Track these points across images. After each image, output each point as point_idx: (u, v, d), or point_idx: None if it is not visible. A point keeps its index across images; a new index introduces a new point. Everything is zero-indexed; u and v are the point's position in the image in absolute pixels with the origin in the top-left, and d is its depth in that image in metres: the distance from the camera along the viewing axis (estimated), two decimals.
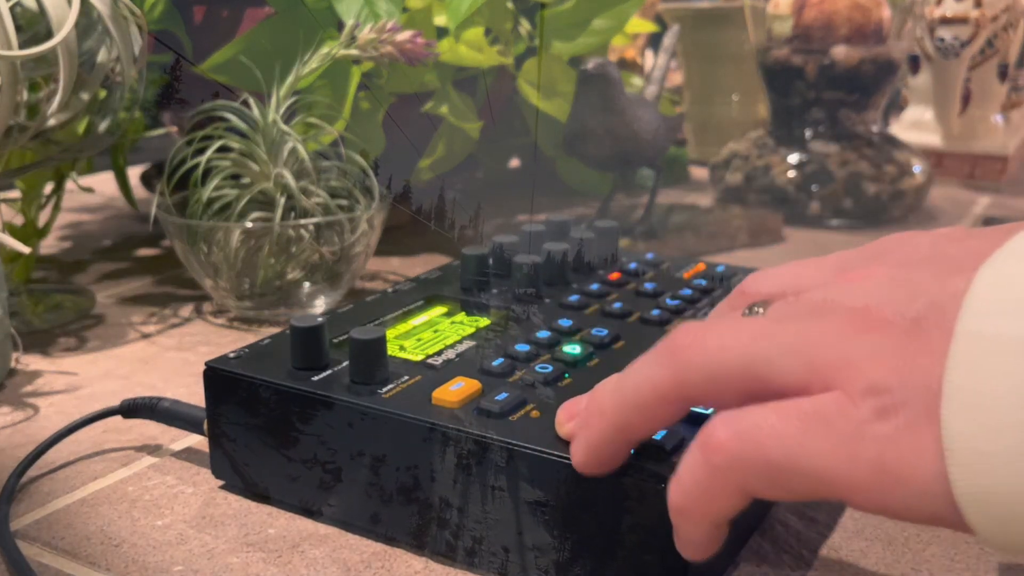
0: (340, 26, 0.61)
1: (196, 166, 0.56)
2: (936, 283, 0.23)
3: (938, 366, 0.21)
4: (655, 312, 0.43)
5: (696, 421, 0.32)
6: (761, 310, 0.28)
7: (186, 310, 0.62)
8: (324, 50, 0.58)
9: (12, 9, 0.47)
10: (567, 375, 0.36)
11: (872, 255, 0.28)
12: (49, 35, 0.47)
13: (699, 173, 1.00)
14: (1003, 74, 0.99)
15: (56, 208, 0.63)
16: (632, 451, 0.30)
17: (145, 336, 0.58)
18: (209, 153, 0.55)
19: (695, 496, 0.25)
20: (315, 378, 0.36)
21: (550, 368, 0.36)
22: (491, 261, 0.47)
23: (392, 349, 0.39)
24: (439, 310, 0.44)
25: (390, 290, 0.47)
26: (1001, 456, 0.20)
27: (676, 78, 1.18)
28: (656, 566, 0.29)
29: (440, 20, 0.67)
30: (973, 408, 0.21)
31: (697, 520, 0.26)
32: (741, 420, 0.24)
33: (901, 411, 0.22)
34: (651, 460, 0.30)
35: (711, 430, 0.25)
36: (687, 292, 0.45)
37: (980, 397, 0.21)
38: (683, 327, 0.27)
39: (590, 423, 0.28)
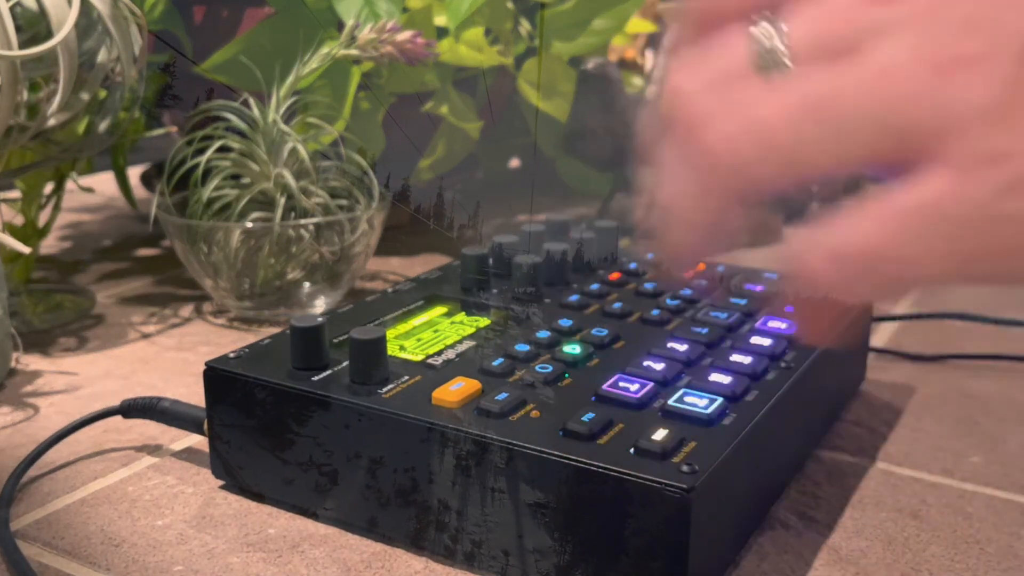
0: (340, 26, 0.61)
1: (196, 166, 0.56)
2: None
3: None
4: (655, 312, 0.43)
5: (684, 416, 0.32)
6: (775, 28, 0.21)
7: (186, 310, 0.62)
8: (324, 50, 0.58)
9: (12, 9, 0.47)
10: (567, 375, 0.36)
11: None
12: (49, 35, 0.47)
13: None
14: None
15: (56, 208, 0.63)
16: (632, 451, 0.30)
17: (145, 336, 0.58)
18: (209, 153, 0.55)
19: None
20: (315, 378, 0.36)
21: (550, 368, 0.36)
22: (491, 261, 0.47)
23: (392, 349, 0.39)
24: (439, 310, 0.44)
25: (390, 290, 0.47)
26: None
27: None
28: (657, 568, 0.29)
29: (440, 20, 0.67)
30: None
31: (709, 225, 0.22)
32: (834, 239, 0.20)
33: None
34: (653, 464, 0.30)
35: (805, 257, 0.20)
36: (687, 292, 0.45)
37: None
38: (691, 95, 0.21)
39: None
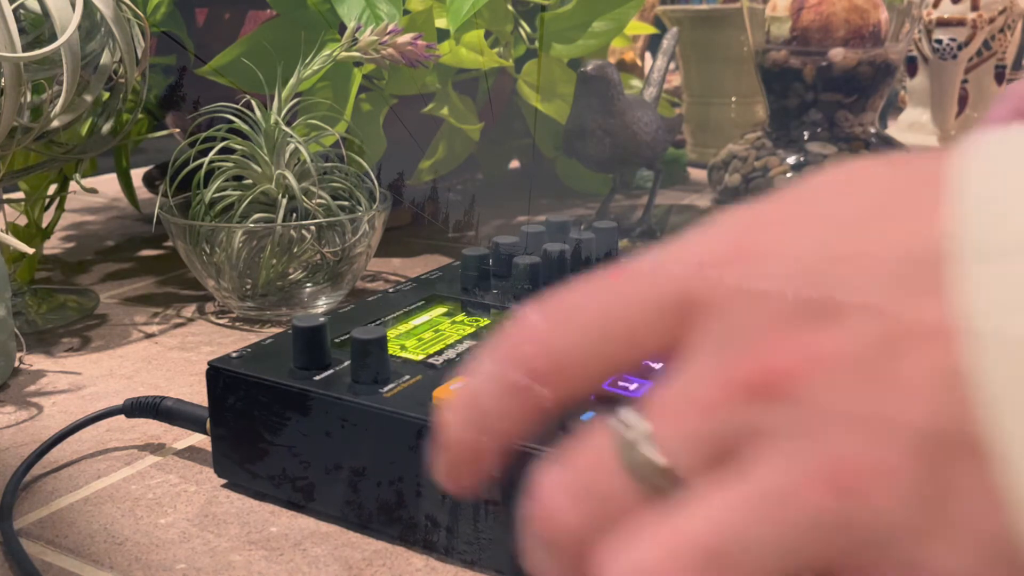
0: (341, 28, 0.62)
1: (199, 167, 0.56)
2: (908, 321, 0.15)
3: (997, 514, 0.14)
4: None
5: None
6: (641, 434, 0.16)
7: (189, 310, 0.62)
8: (326, 52, 0.58)
9: (16, 11, 0.47)
10: None
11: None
12: (53, 37, 0.48)
13: (698, 174, 1.00)
14: (1000, 76, 0.99)
15: (59, 209, 0.63)
16: None
17: (148, 336, 0.58)
18: (212, 154, 0.56)
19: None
20: (317, 377, 0.36)
21: None
22: (491, 261, 0.47)
23: (393, 349, 0.39)
24: (439, 310, 0.44)
25: (391, 290, 0.47)
26: None
27: (675, 80, 1.18)
28: None
29: (441, 22, 0.67)
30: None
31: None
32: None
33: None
34: None
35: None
36: None
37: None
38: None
39: None
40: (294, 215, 0.56)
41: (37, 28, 0.50)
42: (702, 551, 0.15)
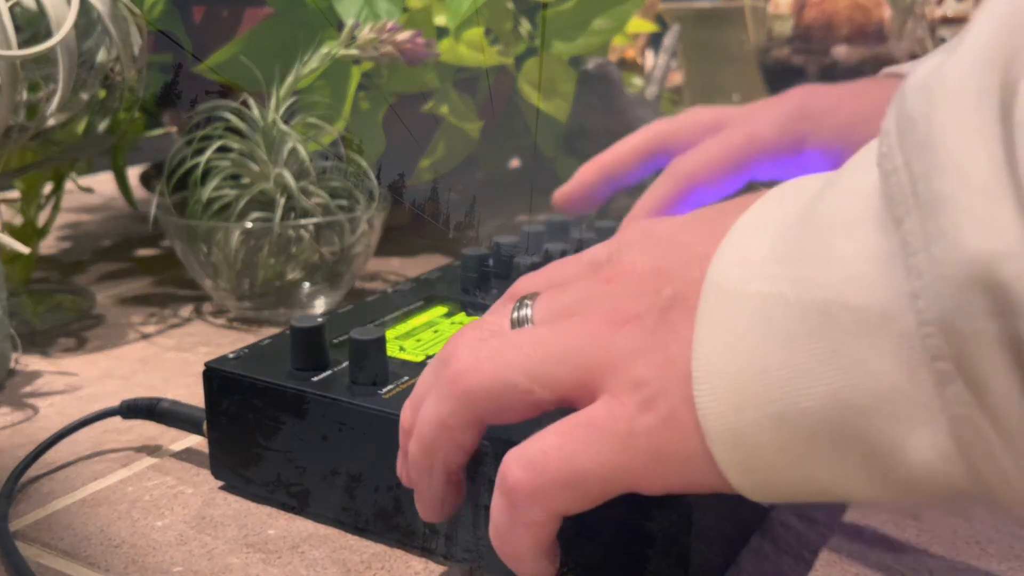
0: (340, 26, 0.61)
1: (196, 166, 0.56)
2: (679, 272, 0.25)
3: (686, 352, 0.23)
4: None
5: None
6: (529, 303, 0.29)
7: (186, 310, 0.62)
8: (324, 50, 0.58)
9: (11, 9, 0.47)
10: None
11: (619, 248, 0.29)
12: (48, 35, 0.47)
13: None
14: None
15: (56, 208, 0.63)
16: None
17: (145, 336, 0.58)
18: (209, 153, 0.55)
19: (516, 537, 0.26)
20: (315, 379, 0.36)
21: None
22: (491, 261, 0.47)
23: (392, 350, 0.38)
24: (439, 311, 0.44)
25: (390, 291, 0.47)
26: (747, 429, 0.22)
27: (676, 78, 1.18)
28: (658, 568, 0.29)
29: (440, 20, 0.67)
30: (719, 389, 0.22)
31: (529, 556, 0.26)
32: (527, 451, 0.25)
33: (662, 400, 0.24)
34: None
35: (505, 470, 0.26)
36: None
37: (722, 377, 0.22)
38: (456, 341, 0.28)
39: (416, 479, 0.29)
40: (292, 214, 0.56)
41: (33, 25, 0.49)
42: (529, 347, 0.26)
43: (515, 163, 0.98)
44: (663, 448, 0.24)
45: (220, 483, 0.39)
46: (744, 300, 0.23)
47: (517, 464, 0.25)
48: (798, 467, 0.22)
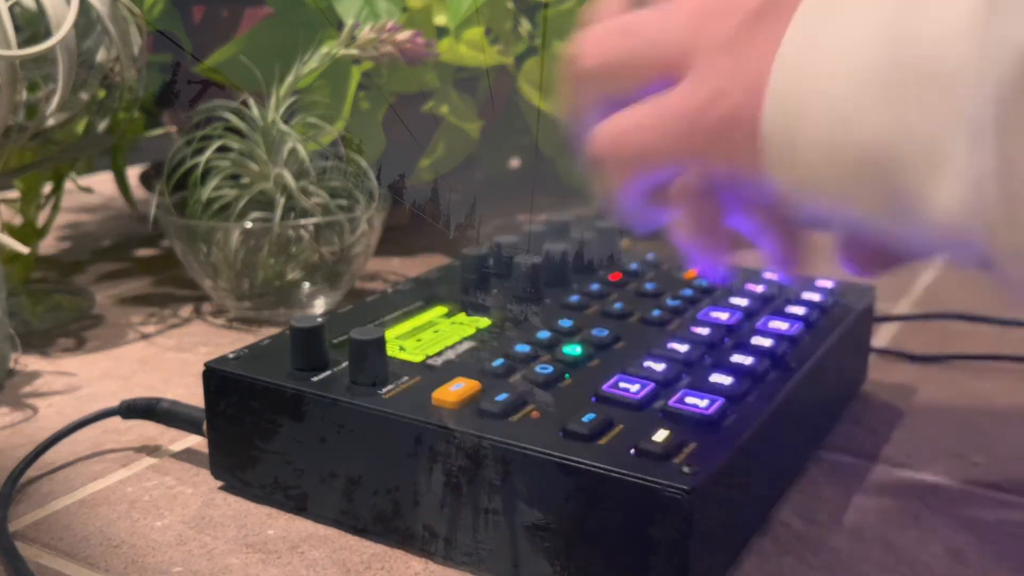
0: (340, 26, 0.61)
1: (195, 166, 0.56)
2: None
3: (767, 57, 0.26)
4: (655, 312, 0.43)
5: (701, 424, 0.32)
6: None
7: (185, 310, 0.62)
8: (324, 50, 0.58)
9: (11, 9, 0.47)
10: (567, 375, 0.36)
11: None
12: (48, 35, 0.47)
13: None
14: None
15: (55, 208, 0.63)
16: (633, 452, 0.30)
17: (144, 337, 0.58)
18: (208, 153, 0.55)
19: (616, 189, 0.31)
20: (315, 379, 0.36)
21: (550, 369, 0.36)
22: (491, 261, 0.47)
23: (392, 350, 0.38)
24: (439, 311, 0.44)
25: (390, 290, 0.47)
26: (804, 156, 0.25)
27: None
28: (658, 569, 0.29)
29: (440, 20, 0.67)
30: (788, 115, 0.25)
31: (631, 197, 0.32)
32: (612, 123, 0.30)
33: (729, 99, 0.27)
34: (653, 464, 0.29)
35: (593, 137, 0.31)
36: (688, 292, 0.45)
37: (795, 105, 0.25)
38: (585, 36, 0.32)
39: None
40: (292, 214, 0.56)
41: (32, 25, 0.49)
42: (625, 30, 0.31)
43: (515, 163, 0.98)
44: (721, 139, 0.27)
45: (220, 483, 0.39)
46: (834, 33, 0.24)
47: (603, 136, 0.31)
48: (836, 182, 0.25)
